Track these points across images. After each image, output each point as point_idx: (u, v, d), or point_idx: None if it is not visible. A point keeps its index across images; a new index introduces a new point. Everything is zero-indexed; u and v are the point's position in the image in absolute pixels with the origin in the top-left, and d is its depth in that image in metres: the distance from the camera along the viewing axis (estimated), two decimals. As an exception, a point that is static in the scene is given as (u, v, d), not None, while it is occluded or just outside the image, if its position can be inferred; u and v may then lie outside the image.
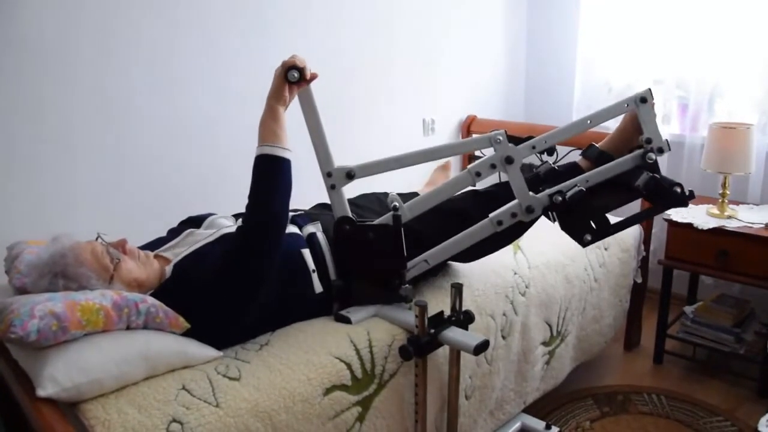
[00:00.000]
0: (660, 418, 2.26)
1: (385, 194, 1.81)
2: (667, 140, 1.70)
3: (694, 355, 2.58)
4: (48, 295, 1.30)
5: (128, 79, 2.05)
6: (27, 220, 1.89)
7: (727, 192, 2.46)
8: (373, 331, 1.58)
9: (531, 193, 1.66)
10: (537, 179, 1.77)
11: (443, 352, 1.65)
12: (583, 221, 1.67)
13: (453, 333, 1.55)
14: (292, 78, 1.52)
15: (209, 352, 1.42)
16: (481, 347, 1.50)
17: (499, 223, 1.66)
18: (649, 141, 1.69)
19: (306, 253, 1.63)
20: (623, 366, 2.63)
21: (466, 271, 1.90)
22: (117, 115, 2.04)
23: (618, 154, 1.77)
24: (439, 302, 1.72)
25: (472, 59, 3.22)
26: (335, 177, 1.61)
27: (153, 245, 1.72)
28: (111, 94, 2.02)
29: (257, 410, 1.31)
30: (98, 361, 1.24)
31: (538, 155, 1.74)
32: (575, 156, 1.94)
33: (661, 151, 1.69)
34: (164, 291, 1.47)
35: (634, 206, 1.79)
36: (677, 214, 2.49)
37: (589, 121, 1.72)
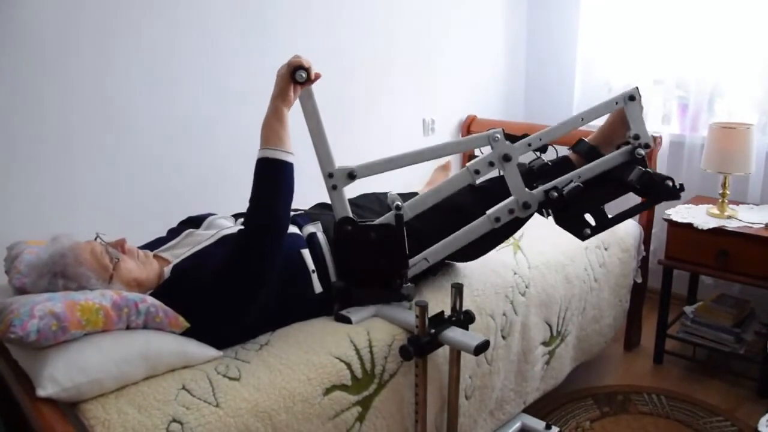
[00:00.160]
0: (660, 418, 2.25)
1: (385, 194, 1.81)
2: (653, 136, 1.77)
3: (694, 355, 2.57)
4: (48, 295, 1.30)
5: (128, 79, 2.04)
6: (26, 220, 1.89)
7: (727, 192, 2.47)
8: (373, 331, 1.58)
9: (527, 189, 1.69)
10: (531, 174, 1.81)
11: (443, 352, 1.65)
12: (578, 216, 1.73)
13: (453, 333, 1.55)
14: (301, 78, 1.52)
15: (209, 351, 1.42)
16: (482, 347, 1.50)
17: (497, 219, 1.69)
18: (637, 137, 1.77)
19: (306, 253, 1.63)
20: (623, 366, 2.63)
21: (466, 271, 1.90)
22: (117, 115, 2.04)
23: (606, 146, 1.86)
24: (439, 302, 1.72)
25: (472, 59, 3.22)
26: (337, 178, 1.61)
27: (152, 245, 1.72)
28: (111, 94, 2.01)
29: (257, 410, 1.31)
30: (98, 361, 1.24)
31: (535, 152, 1.79)
32: (562, 151, 1.97)
33: (647, 146, 1.78)
34: (164, 291, 1.46)
35: (626, 201, 1.82)
36: (677, 214, 2.49)
37: (581, 119, 1.78)
